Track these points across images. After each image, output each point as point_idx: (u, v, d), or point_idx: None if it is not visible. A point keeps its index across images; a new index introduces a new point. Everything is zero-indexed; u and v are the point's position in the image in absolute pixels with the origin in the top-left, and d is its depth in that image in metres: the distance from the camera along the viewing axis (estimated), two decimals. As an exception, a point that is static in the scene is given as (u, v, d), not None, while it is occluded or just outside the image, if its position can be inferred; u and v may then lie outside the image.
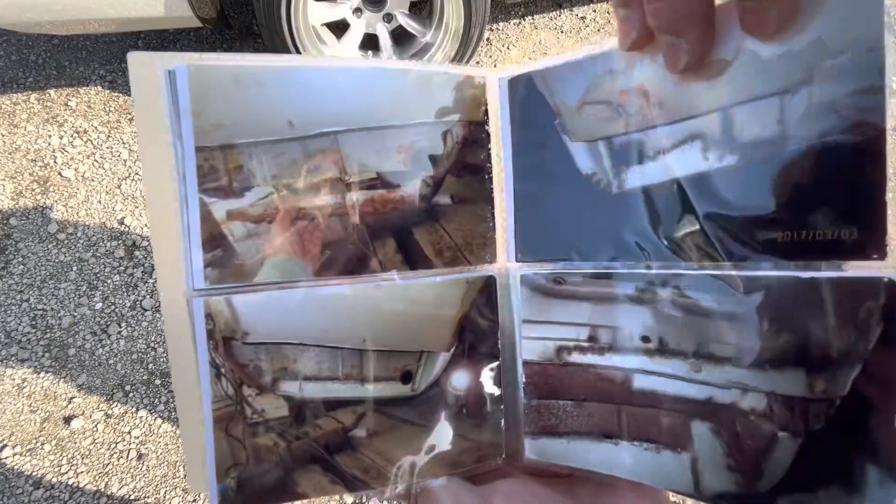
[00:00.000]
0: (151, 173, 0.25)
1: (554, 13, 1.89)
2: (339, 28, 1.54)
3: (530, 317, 0.29)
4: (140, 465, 1.14)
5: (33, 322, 1.27)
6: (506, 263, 0.30)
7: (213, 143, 0.26)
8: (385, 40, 1.52)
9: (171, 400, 1.22)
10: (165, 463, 1.15)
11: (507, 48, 1.80)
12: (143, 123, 0.25)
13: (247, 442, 0.26)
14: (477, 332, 0.29)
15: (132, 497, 1.11)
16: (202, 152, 0.25)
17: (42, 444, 1.15)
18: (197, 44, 1.78)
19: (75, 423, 1.17)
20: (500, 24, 1.86)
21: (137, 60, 0.25)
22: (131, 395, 1.21)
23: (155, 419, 1.19)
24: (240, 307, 0.26)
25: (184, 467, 1.14)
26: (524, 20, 1.87)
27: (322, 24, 1.47)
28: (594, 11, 1.90)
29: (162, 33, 1.77)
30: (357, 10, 1.48)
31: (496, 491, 0.26)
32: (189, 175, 0.25)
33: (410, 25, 1.52)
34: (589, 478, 0.28)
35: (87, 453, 1.15)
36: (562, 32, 1.83)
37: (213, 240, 0.26)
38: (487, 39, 1.82)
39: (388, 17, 1.52)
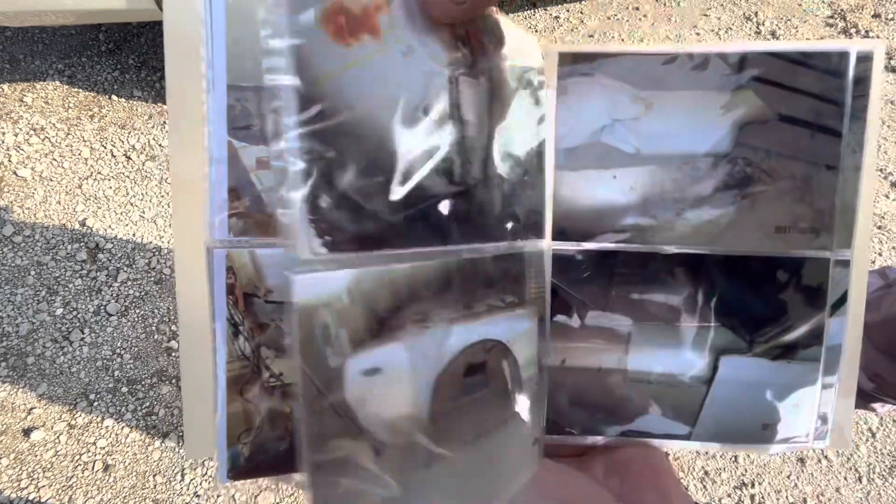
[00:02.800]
0: (178, 110, 0.23)
1: (528, 12, 1.90)
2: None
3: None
4: (107, 477, 1.09)
5: (-13, 330, 1.20)
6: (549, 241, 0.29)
7: (247, 84, 0.22)
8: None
9: (138, 408, 1.17)
10: (134, 473, 1.10)
11: (483, 46, 1.80)
12: (173, 55, 0.23)
13: (262, 406, 0.24)
14: None
15: (99, 510, 1.06)
16: (234, 91, 0.22)
17: (-1, 459, 1.09)
18: (162, 38, 1.71)
19: (35, 436, 1.11)
20: (475, 22, 1.86)
21: None
22: (96, 404, 1.16)
23: (122, 428, 1.14)
24: (264, 262, 0.23)
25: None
26: (499, 19, 1.87)
27: (294, 20, 1.44)
28: (567, 11, 1.92)
29: (125, 26, 1.70)
30: (330, 6, 1.46)
31: None
32: (217, 114, 0.22)
33: (385, 22, 1.50)
34: (600, 455, 0.29)
35: (48, 466, 1.09)
36: (536, 31, 1.85)
37: (240, 188, 0.23)
38: (463, 37, 1.81)
39: (362, 14, 1.49)
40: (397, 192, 0.20)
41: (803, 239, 0.28)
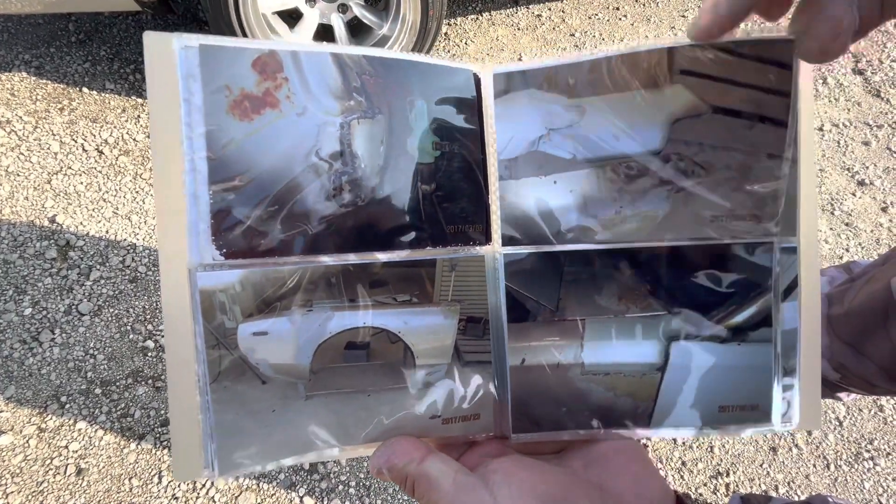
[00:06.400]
0: (160, 141, 0.25)
1: (511, 10, 1.91)
2: (291, 17, 1.48)
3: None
4: (80, 481, 1.06)
5: (-50, 331, 1.15)
6: (496, 247, 0.30)
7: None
8: (340, 31, 1.48)
9: (113, 410, 1.14)
10: (108, 477, 1.07)
11: (466, 43, 1.80)
12: (155, 94, 0.25)
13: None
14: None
15: (71, 516, 1.03)
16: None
17: (-36, 465, 1.05)
18: (136, 29, 1.66)
19: (3, 440, 1.07)
20: (458, 18, 1.86)
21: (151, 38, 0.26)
22: (68, 406, 1.12)
23: (96, 431, 1.11)
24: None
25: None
26: (482, 16, 1.88)
27: (273, 13, 1.42)
28: (549, 10, 1.93)
29: (96, 16, 1.65)
30: (310, 0, 1.44)
31: (493, 470, 0.26)
32: (197, 144, 0.25)
33: (366, 17, 1.48)
34: (578, 450, 0.29)
35: (17, 472, 1.05)
36: (518, 29, 1.86)
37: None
38: (445, 34, 1.81)
39: (343, 8, 1.48)
40: (289, 217, 0.26)
41: (743, 226, 0.28)
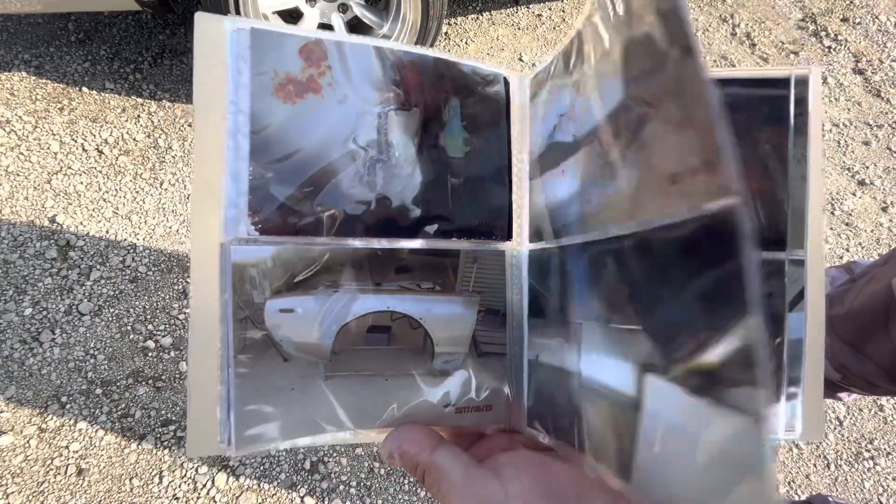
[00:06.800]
0: (204, 118, 0.26)
1: (511, 10, 1.91)
2: (291, 17, 1.48)
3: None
4: (80, 481, 1.06)
5: (-50, 331, 1.15)
6: (515, 244, 0.32)
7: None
8: (340, 31, 1.48)
9: (113, 410, 1.14)
10: (109, 477, 1.07)
11: (466, 43, 1.80)
12: (201, 75, 0.26)
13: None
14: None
15: (72, 516, 1.03)
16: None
17: (-36, 465, 1.04)
18: (136, 28, 1.66)
19: (4, 440, 1.07)
20: (458, 18, 1.86)
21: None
22: (68, 406, 1.12)
23: (96, 431, 1.11)
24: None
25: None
26: (482, 15, 1.88)
27: (273, 12, 1.41)
28: (549, 10, 1.93)
29: (96, 16, 1.64)
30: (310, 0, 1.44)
31: (503, 463, 0.26)
32: (241, 122, 0.26)
33: (366, 16, 1.48)
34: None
35: (18, 472, 1.05)
36: (518, 29, 1.85)
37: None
38: (446, 33, 1.81)
39: (344, 8, 1.48)
40: (324, 199, 0.27)
41: (705, 191, 0.16)
